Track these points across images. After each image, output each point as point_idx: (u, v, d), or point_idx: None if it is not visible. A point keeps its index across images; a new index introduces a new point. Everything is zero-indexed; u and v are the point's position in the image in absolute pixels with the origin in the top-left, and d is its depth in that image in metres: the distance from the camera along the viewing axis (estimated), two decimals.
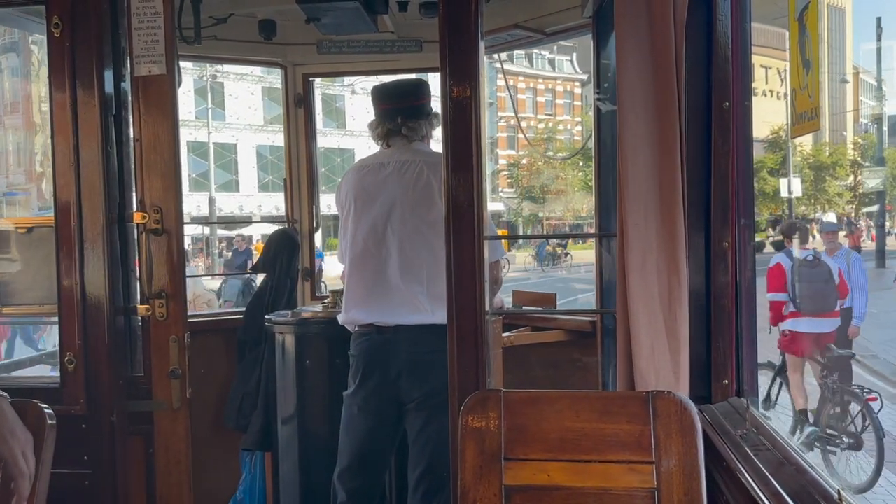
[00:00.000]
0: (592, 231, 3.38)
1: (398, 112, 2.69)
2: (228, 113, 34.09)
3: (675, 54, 1.76)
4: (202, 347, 2.60)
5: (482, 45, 1.99)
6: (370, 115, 2.84)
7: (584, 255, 29.97)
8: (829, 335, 6.33)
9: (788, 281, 6.41)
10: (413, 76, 3.08)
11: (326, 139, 32.62)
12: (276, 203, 34.14)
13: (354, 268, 2.66)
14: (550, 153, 38.01)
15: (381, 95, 2.77)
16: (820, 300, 6.39)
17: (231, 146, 34.47)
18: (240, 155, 34.95)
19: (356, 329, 2.64)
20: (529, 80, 45.10)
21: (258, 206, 34.27)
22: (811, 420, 5.98)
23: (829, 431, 5.78)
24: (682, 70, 1.77)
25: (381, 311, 2.58)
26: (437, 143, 2.84)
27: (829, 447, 5.72)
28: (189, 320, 2.21)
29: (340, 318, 2.70)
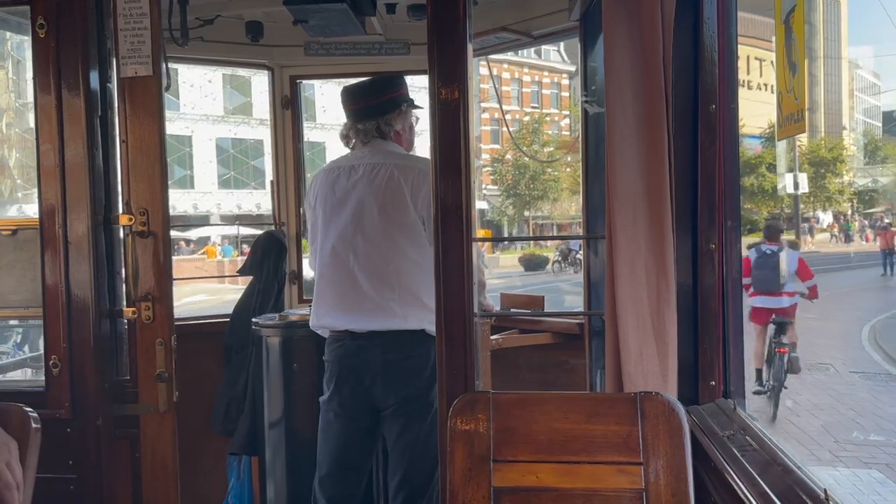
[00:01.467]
0: (580, 232, 3.39)
1: (349, 114, 2.69)
2: (182, 102, 30.62)
3: (664, 57, 1.77)
4: (191, 351, 2.58)
5: (470, 47, 2.00)
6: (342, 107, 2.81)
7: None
8: (782, 309, 8.26)
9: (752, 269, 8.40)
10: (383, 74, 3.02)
11: None
12: (237, 201, 31.19)
13: (325, 273, 2.63)
14: (537, 147, 35.82)
15: (341, 97, 2.74)
16: (769, 283, 8.29)
17: (185, 139, 31.20)
18: (195, 148, 31.73)
19: (329, 334, 2.62)
20: (514, 69, 42.48)
21: (217, 204, 31.45)
22: (764, 376, 8.03)
23: (772, 382, 7.80)
24: (670, 72, 1.78)
25: (354, 318, 2.55)
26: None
27: (770, 393, 7.77)
28: (176, 323, 2.19)
29: (311, 323, 2.68)
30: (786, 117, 1.53)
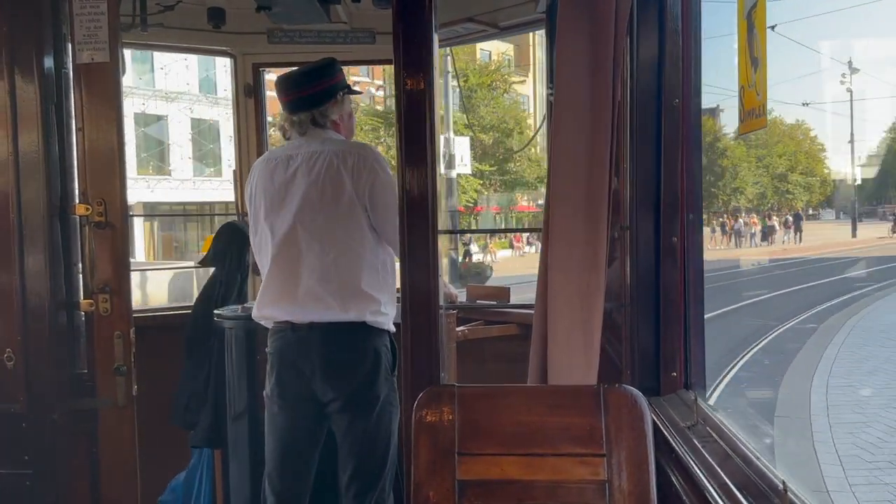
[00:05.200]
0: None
1: (284, 106, 2.61)
2: None
3: (615, 52, 1.77)
4: (151, 344, 2.53)
5: (436, 36, 1.98)
6: None
7: None
8: None
9: None
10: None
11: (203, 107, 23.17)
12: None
13: (270, 265, 2.58)
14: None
15: (275, 88, 2.65)
16: None
17: None
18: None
19: (272, 325, 2.57)
20: None
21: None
22: None
23: None
24: (622, 69, 1.79)
25: (293, 309, 2.50)
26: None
27: None
28: (135, 315, 2.16)
29: (253, 314, 2.63)
30: (747, 112, 1.55)
